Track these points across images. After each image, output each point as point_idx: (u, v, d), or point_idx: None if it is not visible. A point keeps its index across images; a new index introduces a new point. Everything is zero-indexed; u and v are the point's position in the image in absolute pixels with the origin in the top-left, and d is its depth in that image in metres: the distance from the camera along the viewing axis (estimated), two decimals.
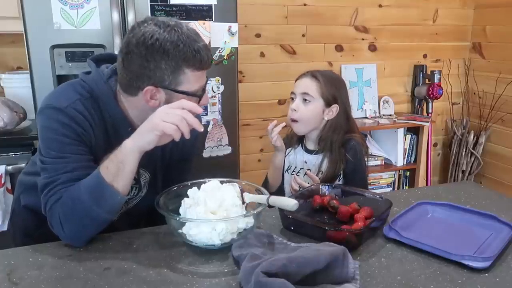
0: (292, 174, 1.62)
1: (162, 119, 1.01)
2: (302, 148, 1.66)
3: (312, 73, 1.58)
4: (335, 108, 1.57)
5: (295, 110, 1.56)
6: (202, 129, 1.05)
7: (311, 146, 1.65)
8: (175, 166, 1.32)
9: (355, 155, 1.55)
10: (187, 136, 1.03)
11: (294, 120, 1.58)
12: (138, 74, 1.07)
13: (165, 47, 1.04)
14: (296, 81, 1.62)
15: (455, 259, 0.97)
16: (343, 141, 1.57)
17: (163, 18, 1.08)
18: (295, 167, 1.64)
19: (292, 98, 1.60)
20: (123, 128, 1.14)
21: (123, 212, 1.21)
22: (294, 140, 1.68)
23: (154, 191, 1.23)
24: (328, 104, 1.56)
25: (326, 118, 1.57)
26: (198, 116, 1.07)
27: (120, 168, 1.03)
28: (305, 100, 1.56)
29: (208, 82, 2.24)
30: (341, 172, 1.56)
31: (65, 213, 1.03)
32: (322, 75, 1.57)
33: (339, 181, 1.56)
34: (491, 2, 3.19)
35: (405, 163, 3.12)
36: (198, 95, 1.12)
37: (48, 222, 1.07)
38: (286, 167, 1.67)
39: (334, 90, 1.57)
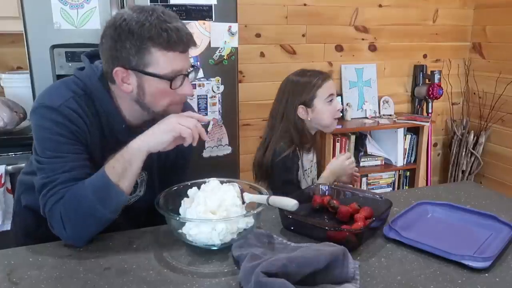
0: (308, 176, 1.69)
1: (178, 122, 1.04)
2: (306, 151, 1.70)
3: (330, 75, 1.68)
4: None
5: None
6: (207, 139, 1.06)
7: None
8: (173, 166, 1.32)
9: None
10: (195, 143, 1.05)
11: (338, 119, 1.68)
12: (108, 57, 1.07)
13: (130, 26, 1.02)
14: (324, 82, 1.62)
15: (455, 259, 0.97)
16: None
17: (147, 5, 1.07)
18: (310, 167, 1.71)
19: (331, 100, 1.62)
20: (117, 124, 1.14)
21: (121, 212, 1.20)
22: (304, 144, 1.67)
23: (151, 191, 1.23)
24: None
25: None
26: None
27: (127, 168, 1.04)
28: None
29: (208, 82, 2.23)
30: None
31: (68, 213, 1.03)
32: None
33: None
34: (491, 2, 3.19)
35: (405, 163, 3.12)
36: (169, 79, 1.07)
37: (48, 222, 1.07)
38: (302, 173, 1.66)
39: None
